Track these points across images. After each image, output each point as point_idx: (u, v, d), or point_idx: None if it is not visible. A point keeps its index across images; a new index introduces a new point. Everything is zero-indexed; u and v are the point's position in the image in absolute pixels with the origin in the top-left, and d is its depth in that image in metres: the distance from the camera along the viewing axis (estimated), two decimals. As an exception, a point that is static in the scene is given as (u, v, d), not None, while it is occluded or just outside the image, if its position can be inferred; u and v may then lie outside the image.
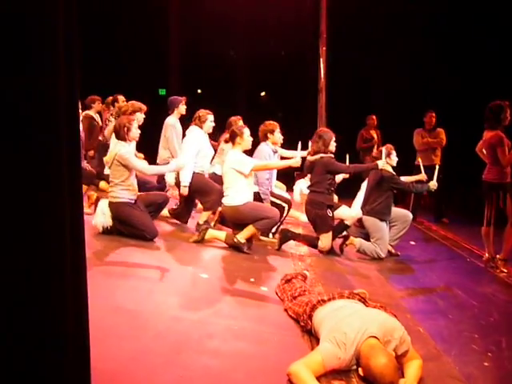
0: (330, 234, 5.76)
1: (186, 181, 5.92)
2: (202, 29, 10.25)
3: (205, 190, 6.02)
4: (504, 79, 8.61)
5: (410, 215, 6.31)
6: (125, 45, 10.32)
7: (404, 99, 10.09)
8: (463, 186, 10.17)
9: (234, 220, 5.59)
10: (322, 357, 2.88)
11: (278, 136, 6.33)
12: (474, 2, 9.42)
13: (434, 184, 6.16)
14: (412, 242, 7.02)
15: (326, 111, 10.09)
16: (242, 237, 5.37)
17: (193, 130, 6.21)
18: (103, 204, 5.37)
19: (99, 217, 5.32)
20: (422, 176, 6.53)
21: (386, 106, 9.56)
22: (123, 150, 5.20)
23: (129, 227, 5.28)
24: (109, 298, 3.82)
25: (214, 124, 6.32)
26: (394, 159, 6.14)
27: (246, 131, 5.59)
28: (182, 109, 6.92)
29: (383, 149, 6.13)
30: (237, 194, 5.41)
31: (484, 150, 5.93)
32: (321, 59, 10.24)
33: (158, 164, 6.61)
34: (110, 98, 7.96)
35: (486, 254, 5.86)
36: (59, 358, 1.76)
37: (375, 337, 2.95)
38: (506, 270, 5.56)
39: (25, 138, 1.64)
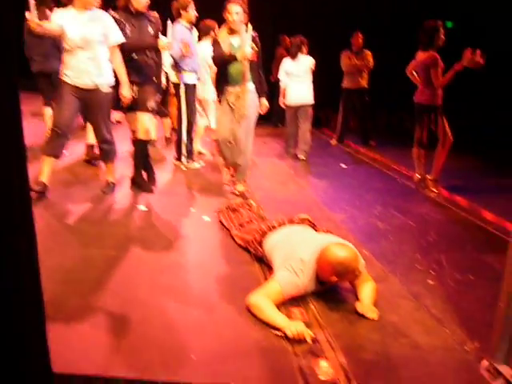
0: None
1: None
2: None
3: None
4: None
5: None
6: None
7: (330, 20, 9.89)
8: (387, 109, 10.33)
9: None
10: (281, 285, 2.82)
11: (193, 13, 5.75)
12: None
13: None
14: (343, 165, 7.07)
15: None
16: None
17: None
18: None
19: None
20: None
21: (313, 27, 9.32)
22: None
23: None
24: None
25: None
26: None
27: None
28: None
29: None
30: None
31: (414, 72, 5.93)
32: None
33: None
34: None
35: (417, 175, 6.01)
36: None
37: None
38: (436, 190, 5.72)
39: None
